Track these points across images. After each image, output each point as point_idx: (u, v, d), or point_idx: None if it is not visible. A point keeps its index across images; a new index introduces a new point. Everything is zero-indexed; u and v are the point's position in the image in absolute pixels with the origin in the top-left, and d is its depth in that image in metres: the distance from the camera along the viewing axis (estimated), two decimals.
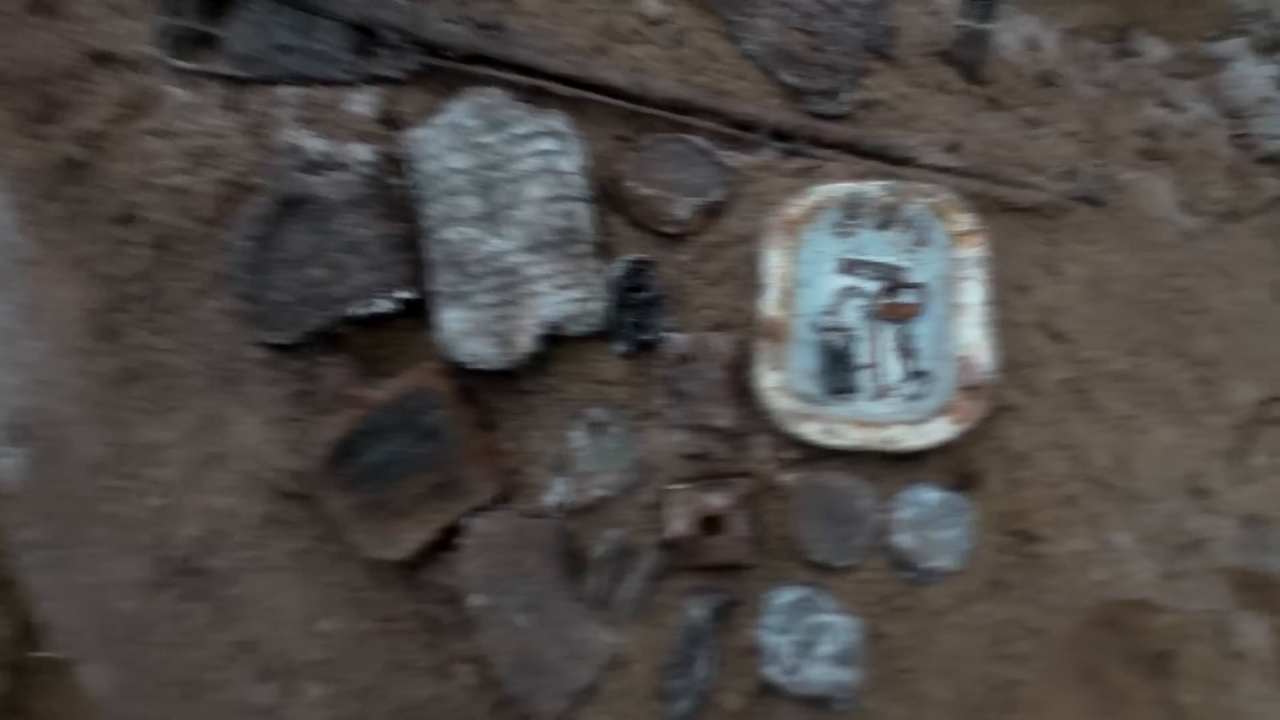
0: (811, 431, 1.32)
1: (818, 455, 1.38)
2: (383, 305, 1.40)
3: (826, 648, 1.32)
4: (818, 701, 1.36)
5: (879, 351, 1.43)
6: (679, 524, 1.37)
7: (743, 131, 1.51)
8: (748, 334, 1.43)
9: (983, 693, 1.38)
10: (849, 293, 1.46)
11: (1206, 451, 1.48)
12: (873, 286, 1.45)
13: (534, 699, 1.40)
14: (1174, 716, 1.48)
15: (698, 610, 1.37)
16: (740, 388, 1.40)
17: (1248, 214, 1.62)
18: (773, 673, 1.35)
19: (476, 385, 1.49)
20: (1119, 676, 1.49)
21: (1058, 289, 1.51)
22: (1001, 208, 1.50)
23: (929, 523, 1.35)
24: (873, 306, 1.44)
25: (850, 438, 1.31)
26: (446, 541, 1.43)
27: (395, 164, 1.46)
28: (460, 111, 1.42)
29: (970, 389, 1.31)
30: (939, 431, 1.30)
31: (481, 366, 1.39)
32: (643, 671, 1.41)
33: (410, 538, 1.42)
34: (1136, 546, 1.43)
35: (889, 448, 1.30)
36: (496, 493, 1.43)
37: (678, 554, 1.38)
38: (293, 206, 1.40)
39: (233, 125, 1.50)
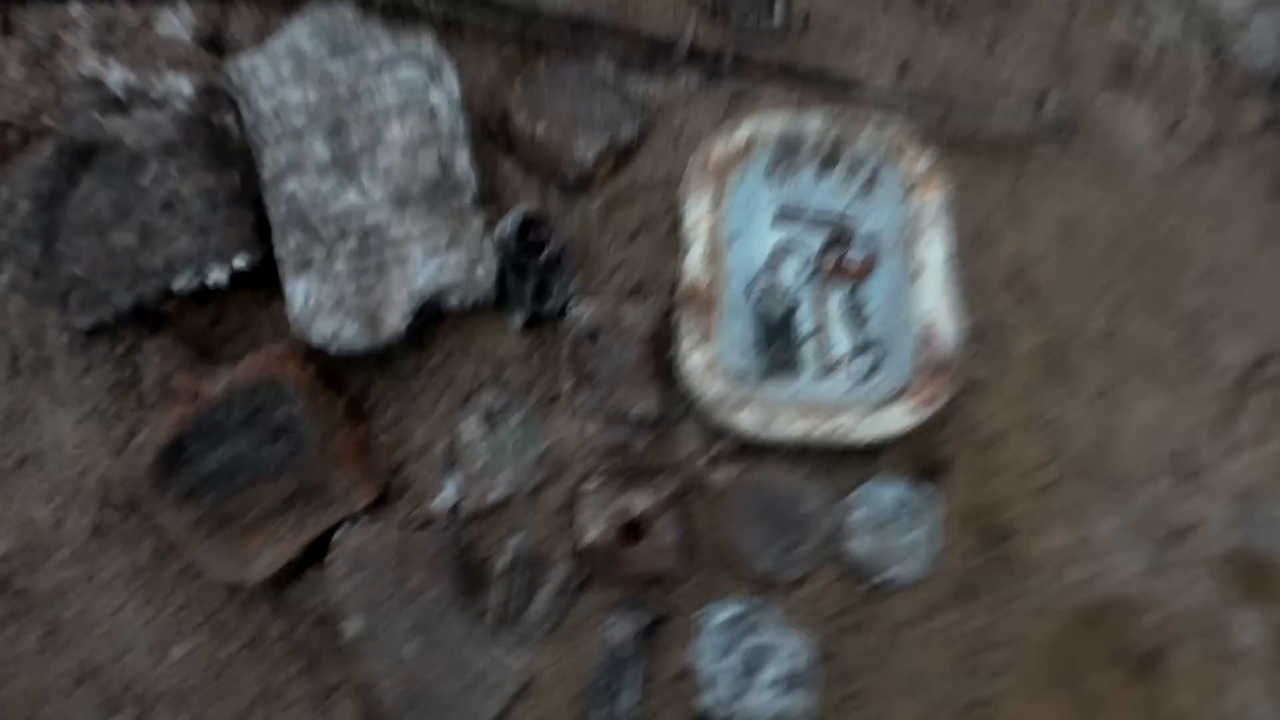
0: (747, 421, 1.09)
1: (756, 448, 1.16)
2: (214, 277, 1.13)
3: (770, 672, 1.11)
4: None
5: (825, 319, 1.21)
6: (594, 530, 1.14)
7: (656, 54, 1.25)
8: (668, 302, 1.19)
9: (950, 713, 1.19)
10: (788, 248, 1.22)
11: (1194, 423, 1.29)
12: (815, 241, 1.22)
13: None
14: None
15: (620, 630, 1.15)
16: (661, 367, 1.16)
17: (1231, 143, 1.41)
18: (709, 702, 1.14)
19: (342, 369, 1.24)
20: (1099, 680, 1.32)
21: (1026, 239, 1.29)
22: (961, 143, 1.27)
23: (888, 524, 1.14)
24: (816, 265, 1.21)
25: (792, 429, 1.09)
26: (316, 556, 1.19)
27: (221, 99, 1.17)
28: (300, 32, 1.14)
29: (933, 368, 1.09)
30: (897, 419, 1.08)
31: (341, 350, 1.13)
32: (559, 701, 1.19)
33: (265, 557, 1.16)
34: (1119, 538, 1.24)
35: (838, 441, 1.08)
36: (371, 498, 1.18)
37: (594, 565, 1.16)
38: (90, 156, 1.11)
39: (9, 53, 1.19)
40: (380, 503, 1.20)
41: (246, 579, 1.16)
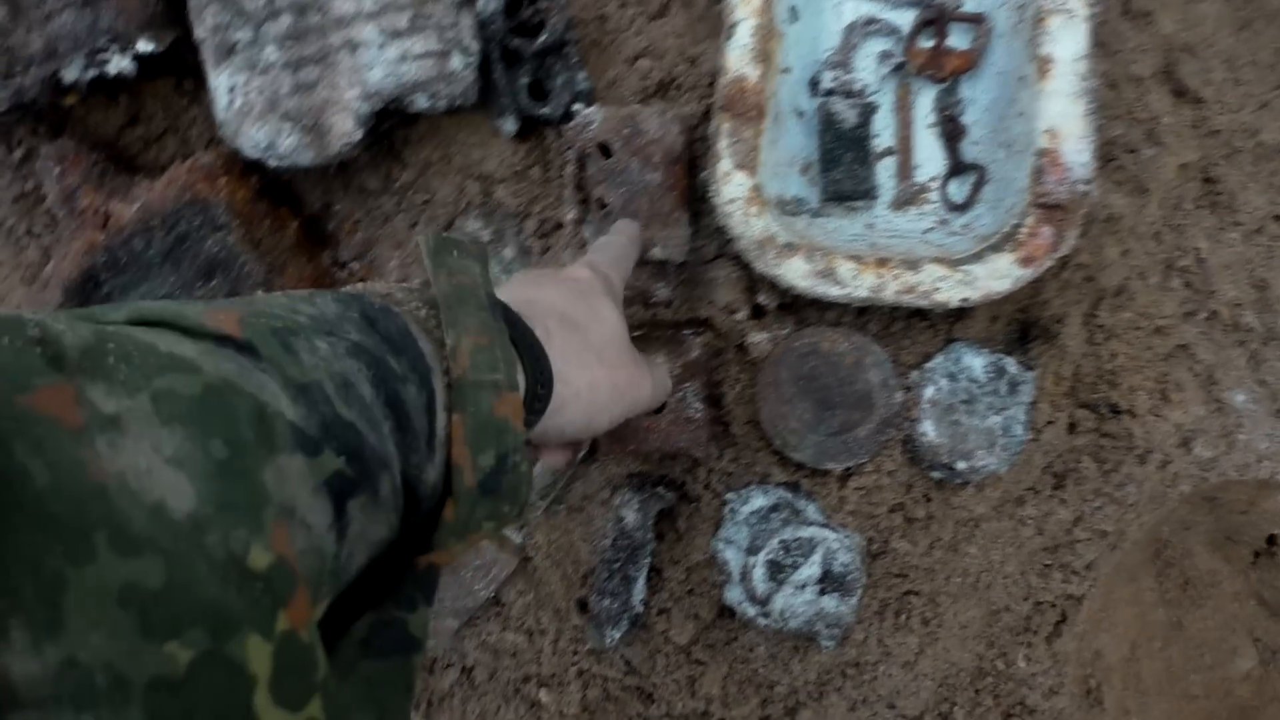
0: (798, 270, 0.83)
1: (808, 303, 0.91)
2: (116, 64, 0.87)
3: (807, 570, 0.92)
4: (796, 635, 0.98)
5: (910, 130, 0.92)
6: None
7: None
8: (704, 105, 0.91)
9: (1014, 617, 1.00)
10: (866, 30, 0.92)
11: None
12: (904, 20, 0.91)
13: None
14: (1270, 615, 1.12)
15: (632, 513, 0.96)
16: (691, 192, 0.90)
17: None
18: (735, 597, 0.96)
19: (296, 182, 0.99)
20: (1205, 561, 1.11)
21: (1188, 19, 0.96)
22: None
23: (971, 402, 0.89)
24: (903, 55, 0.90)
25: (857, 283, 0.83)
26: None
27: None
28: None
29: (1054, 203, 0.81)
30: (1000, 273, 0.81)
31: (281, 164, 0.89)
32: (557, 586, 1.02)
33: None
34: (1261, 407, 0.99)
35: (918, 302, 0.82)
36: None
37: (606, 439, 0.95)
38: None
39: None
40: None
41: None
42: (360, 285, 0.51)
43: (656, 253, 0.88)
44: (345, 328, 0.43)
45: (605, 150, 0.87)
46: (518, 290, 0.60)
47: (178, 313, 0.38)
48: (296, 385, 0.38)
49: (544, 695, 1.06)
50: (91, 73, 0.87)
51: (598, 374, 0.59)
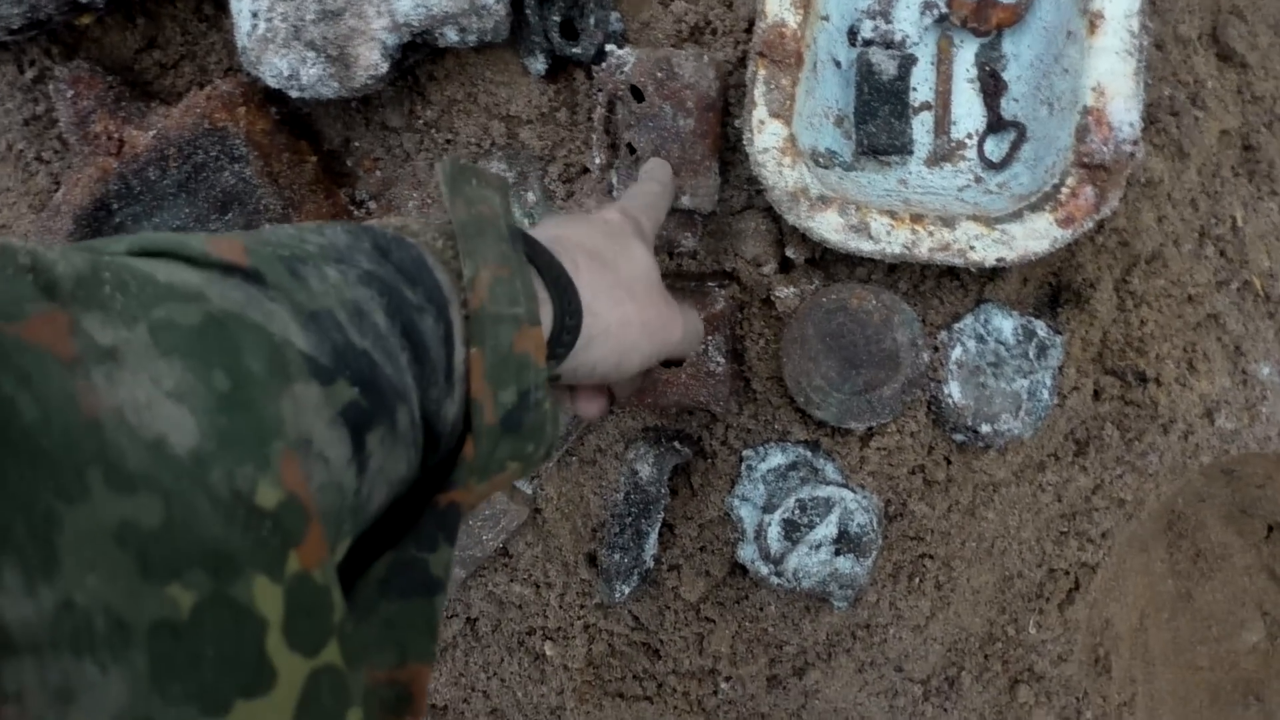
0: (829, 224, 0.82)
1: (838, 258, 0.89)
2: None
3: (823, 530, 0.91)
4: (808, 596, 0.97)
5: (950, 83, 0.89)
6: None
7: None
8: (738, 51, 0.89)
9: (1027, 584, 0.99)
10: None
11: None
12: None
13: None
14: None
15: (647, 467, 0.95)
16: (723, 141, 0.88)
17: None
18: (749, 556, 0.95)
19: (315, 116, 0.97)
20: (1217, 534, 1.10)
21: None
22: None
23: (998, 365, 0.88)
24: (947, 5, 0.88)
25: (890, 240, 0.81)
26: None
27: None
28: None
29: (1097, 167, 0.79)
30: (1038, 236, 0.80)
31: (304, 95, 0.86)
32: (566, 539, 1.01)
33: None
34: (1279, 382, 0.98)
35: (952, 260, 0.81)
36: None
37: (622, 390, 0.93)
38: None
39: None
40: None
41: None
42: (374, 220, 0.49)
43: (685, 201, 0.85)
44: (356, 257, 0.41)
45: (637, 93, 0.85)
46: (544, 229, 0.58)
47: (180, 242, 0.36)
48: (307, 312, 0.36)
49: (549, 648, 1.05)
50: None
51: (628, 310, 0.56)
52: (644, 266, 0.62)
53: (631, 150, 0.86)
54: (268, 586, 0.30)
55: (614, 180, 0.88)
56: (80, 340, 0.29)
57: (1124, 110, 0.78)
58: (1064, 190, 0.79)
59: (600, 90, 0.86)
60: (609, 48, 0.86)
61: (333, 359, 0.36)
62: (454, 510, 0.44)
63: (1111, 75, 0.78)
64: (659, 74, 0.83)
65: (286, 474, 0.32)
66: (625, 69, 0.84)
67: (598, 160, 0.88)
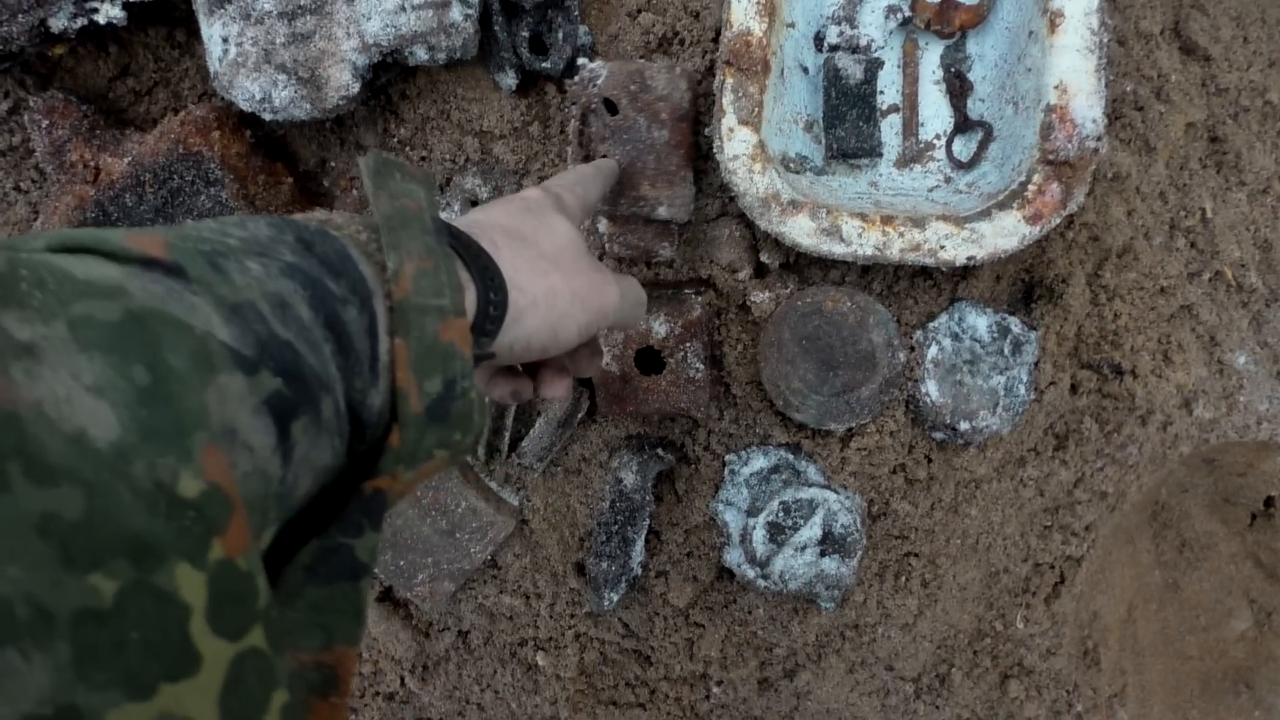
0: (801, 228, 0.82)
1: (811, 262, 0.90)
2: (106, 12, 0.85)
3: (807, 532, 0.91)
4: (795, 597, 0.97)
5: (916, 86, 0.90)
6: (604, 354, 0.91)
7: None
8: (706, 61, 0.89)
9: (1013, 579, 1.00)
10: None
11: None
12: None
13: (409, 583, 1.01)
14: (1266, 577, 1.12)
15: (631, 475, 0.95)
16: (696, 151, 0.89)
17: None
18: (734, 560, 0.96)
19: (290, 138, 0.98)
20: (1202, 523, 1.11)
21: None
22: None
23: (974, 363, 0.89)
24: (911, 8, 0.89)
25: (861, 241, 0.82)
26: None
27: None
28: None
29: (1062, 164, 0.80)
30: (1006, 231, 0.81)
31: (277, 118, 0.87)
32: (553, 549, 1.01)
33: None
34: (1263, 369, 0.99)
35: (923, 260, 0.81)
36: None
37: (604, 396, 0.94)
38: None
39: None
40: None
41: None
42: (298, 214, 0.50)
43: (661, 212, 0.86)
44: (279, 250, 0.42)
45: (611, 106, 0.85)
46: (465, 216, 0.59)
47: (99, 238, 0.37)
48: (229, 305, 0.37)
49: (541, 659, 1.06)
50: (80, 21, 0.85)
51: (554, 280, 0.57)
52: (566, 237, 0.62)
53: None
54: (190, 573, 0.31)
55: None
56: None
57: (1087, 107, 0.79)
58: (1031, 187, 0.80)
59: (574, 104, 0.86)
60: (580, 61, 0.86)
61: (256, 350, 0.37)
62: (379, 497, 0.45)
63: (1073, 73, 0.79)
64: (632, 87, 0.84)
65: (209, 464, 0.33)
66: (598, 82, 0.85)
67: None
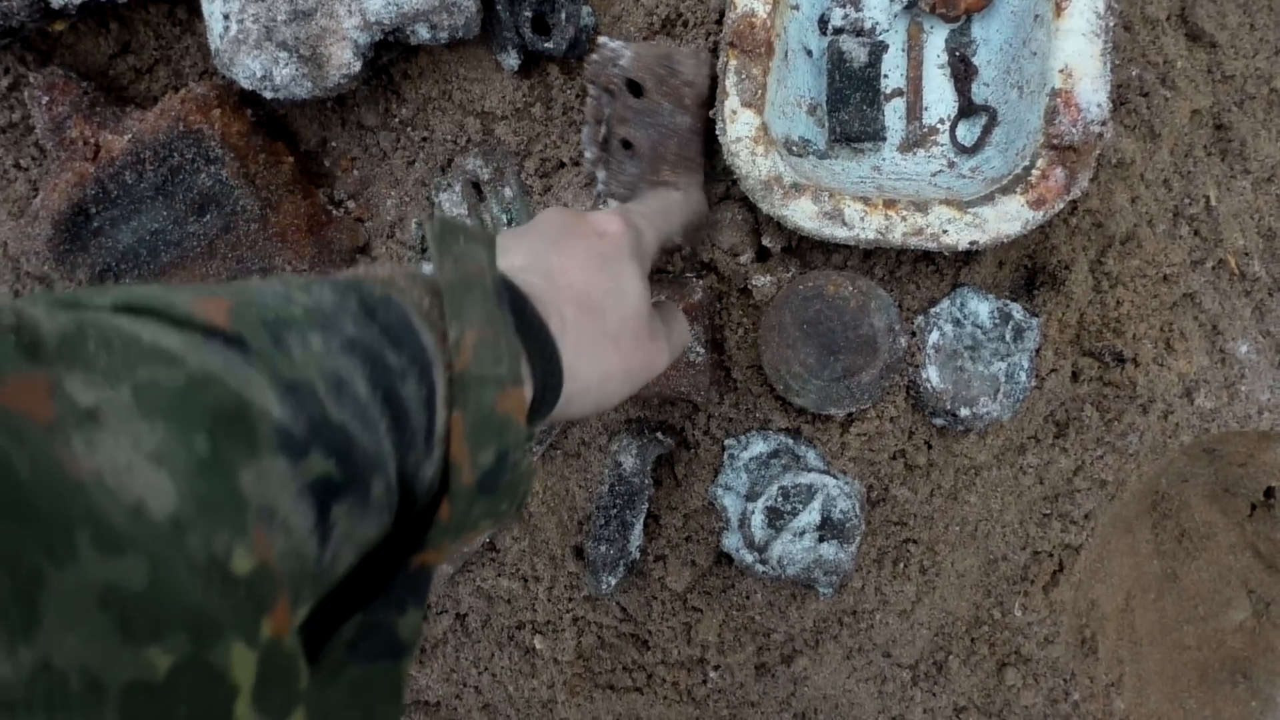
0: (803, 211, 0.82)
1: (813, 245, 0.89)
2: None
3: (806, 517, 0.91)
4: (793, 583, 0.97)
5: (920, 69, 0.90)
6: None
7: None
8: (710, 43, 0.89)
9: (1012, 566, 0.99)
10: None
11: None
12: None
13: None
14: (1266, 567, 1.12)
15: (630, 459, 0.95)
16: (708, 132, 0.88)
17: None
18: (733, 544, 0.95)
19: (291, 117, 0.97)
20: (1202, 513, 1.11)
21: None
22: None
23: (975, 349, 0.89)
24: None
25: (864, 225, 0.81)
26: None
27: None
28: None
29: (1066, 148, 0.79)
30: (1009, 216, 0.80)
31: (278, 96, 0.86)
32: (552, 533, 1.01)
33: None
34: (1265, 358, 0.98)
35: (926, 244, 0.81)
36: None
37: None
38: None
39: None
40: None
41: None
42: (362, 270, 0.49)
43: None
44: (342, 320, 0.41)
45: (635, 88, 0.85)
46: (537, 253, 0.57)
47: (167, 301, 0.36)
48: (286, 383, 0.36)
49: (538, 642, 1.06)
50: None
51: (612, 364, 0.56)
52: (634, 303, 0.60)
53: (626, 145, 0.86)
54: (244, 652, 0.31)
55: (600, 174, 0.88)
56: (60, 403, 0.29)
57: (1092, 91, 0.79)
58: (1034, 172, 0.80)
59: (593, 81, 0.86)
60: (601, 39, 0.86)
61: (308, 431, 0.36)
62: (424, 572, 0.45)
63: (1078, 57, 0.79)
64: (659, 70, 0.83)
65: (258, 541, 0.33)
66: (620, 62, 0.84)
67: (589, 155, 0.88)
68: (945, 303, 0.88)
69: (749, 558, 0.94)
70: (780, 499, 0.91)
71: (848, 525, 0.91)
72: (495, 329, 0.46)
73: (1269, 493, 1.08)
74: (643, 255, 0.65)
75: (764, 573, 0.94)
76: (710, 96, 0.84)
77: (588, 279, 0.57)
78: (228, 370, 0.35)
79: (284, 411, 0.36)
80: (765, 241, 0.89)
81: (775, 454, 0.93)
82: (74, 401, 0.30)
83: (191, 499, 0.31)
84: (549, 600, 1.04)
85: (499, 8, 0.88)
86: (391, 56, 0.90)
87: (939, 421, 0.91)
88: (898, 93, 0.90)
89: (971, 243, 0.80)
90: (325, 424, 0.37)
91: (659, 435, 0.95)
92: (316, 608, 0.39)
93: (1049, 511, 0.98)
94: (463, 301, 0.46)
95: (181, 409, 0.32)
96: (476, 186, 0.95)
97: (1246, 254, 0.96)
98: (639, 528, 0.96)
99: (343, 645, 0.41)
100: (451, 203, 0.95)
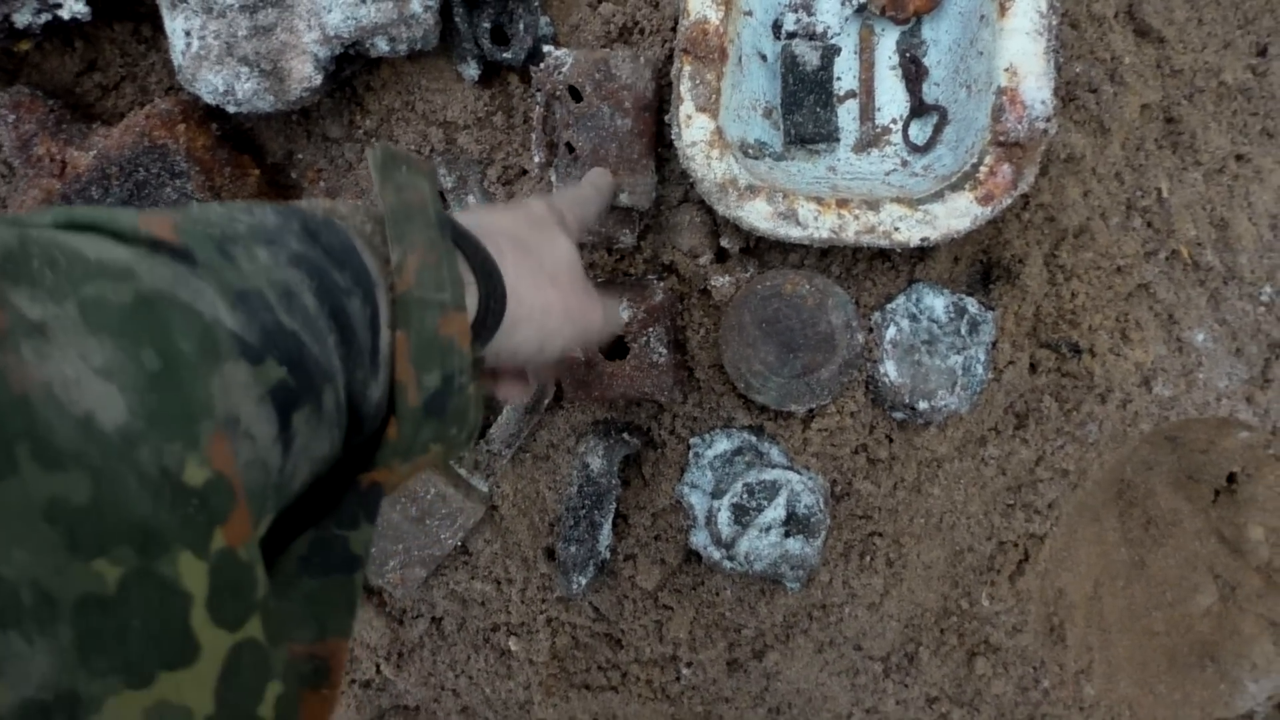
0: (759, 212, 0.84)
1: (770, 246, 0.91)
2: (69, 7, 0.86)
3: (772, 513, 0.93)
4: (762, 578, 0.99)
5: (872, 71, 0.91)
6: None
7: None
8: (666, 49, 0.91)
9: (977, 557, 1.01)
10: None
11: None
12: None
13: (381, 570, 1.03)
14: (1231, 552, 1.13)
15: (598, 460, 0.96)
16: (658, 140, 0.90)
17: None
18: (700, 542, 0.97)
19: (257, 130, 0.99)
20: (1166, 500, 1.13)
21: None
22: None
23: (931, 343, 0.90)
24: None
25: (818, 224, 0.83)
26: None
27: None
28: None
29: (1012, 145, 0.81)
30: (959, 212, 0.82)
31: (241, 110, 0.88)
32: (523, 534, 1.03)
33: None
34: (1221, 346, 1.00)
35: (878, 242, 0.83)
36: None
37: (570, 384, 0.95)
38: None
39: None
40: None
41: None
42: (304, 201, 0.50)
43: (623, 199, 0.87)
44: (286, 238, 0.42)
45: (575, 94, 0.87)
46: (470, 216, 0.59)
47: (110, 217, 0.36)
48: (236, 292, 0.37)
49: (513, 644, 1.07)
50: (45, 16, 0.86)
51: (550, 295, 0.58)
52: (567, 255, 0.64)
53: (570, 149, 0.88)
54: (193, 562, 0.31)
55: (553, 179, 0.90)
56: (8, 314, 0.29)
57: (1036, 89, 0.80)
58: (982, 169, 0.81)
59: (539, 90, 0.87)
60: (546, 48, 0.87)
61: (261, 339, 0.37)
62: (376, 490, 0.45)
63: (1023, 55, 0.81)
64: (597, 75, 0.85)
65: (214, 453, 0.33)
66: (563, 69, 0.86)
67: (537, 159, 0.90)
68: (901, 298, 0.90)
69: (717, 554, 0.95)
70: (745, 496, 0.92)
71: (812, 520, 0.92)
72: (437, 254, 0.47)
73: (1231, 478, 1.09)
74: (567, 229, 0.67)
75: (732, 569, 0.95)
76: (652, 99, 0.86)
77: (520, 230, 0.60)
78: (177, 282, 0.35)
79: (236, 319, 0.36)
80: (724, 243, 0.90)
81: (739, 451, 0.94)
82: (22, 313, 0.29)
83: (142, 412, 0.31)
84: (522, 602, 1.05)
85: (458, 19, 0.89)
86: (354, 69, 0.92)
87: (899, 415, 0.93)
88: (851, 94, 0.91)
89: (923, 239, 0.82)
90: (278, 331, 0.38)
91: (625, 436, 0.96)
92: (270, 524, 0.40)
93: (1012, 502, 0.99)
94: (404, 227, 0.47)
95: (131, 325, 0.32)
96: (441, 195, 0.96)
97: (1199, 244, 0.97)
98: (608, 527, 0.97)
99: (296, 560, 0.42)
100: None
